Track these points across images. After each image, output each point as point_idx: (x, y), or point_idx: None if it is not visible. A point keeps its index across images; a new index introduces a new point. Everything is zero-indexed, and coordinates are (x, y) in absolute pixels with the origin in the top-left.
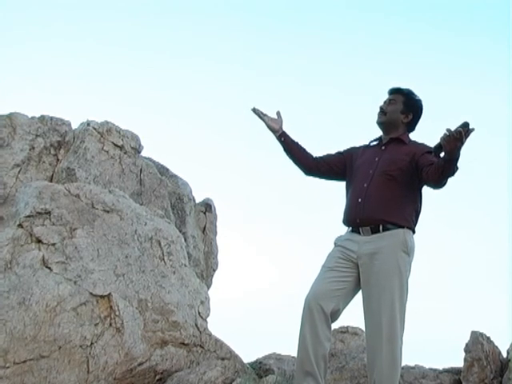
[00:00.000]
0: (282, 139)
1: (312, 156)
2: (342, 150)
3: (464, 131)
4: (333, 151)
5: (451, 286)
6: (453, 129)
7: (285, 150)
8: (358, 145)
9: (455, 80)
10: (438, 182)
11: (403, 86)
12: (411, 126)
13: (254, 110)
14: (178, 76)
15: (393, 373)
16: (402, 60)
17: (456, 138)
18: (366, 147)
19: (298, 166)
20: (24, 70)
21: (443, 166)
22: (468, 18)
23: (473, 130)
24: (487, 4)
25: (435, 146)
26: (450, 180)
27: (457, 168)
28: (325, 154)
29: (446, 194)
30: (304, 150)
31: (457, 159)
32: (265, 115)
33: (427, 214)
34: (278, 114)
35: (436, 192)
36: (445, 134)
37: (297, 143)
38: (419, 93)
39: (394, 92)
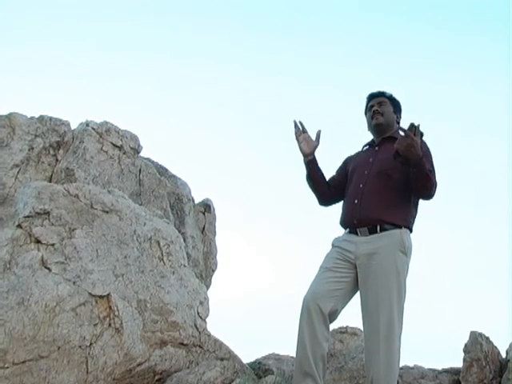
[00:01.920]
0: (310, 165)
1: (328, 186)
2: (340, 164)
3: (413, 132)
4: (333, 171)
5: (450, 285)
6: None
7: (308, 175)
8: (357, 146)
9: (455, 80)
10: (422, 194)
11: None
12: (399, 125)
13: (296, 123)
14: (177, 76)
15: (390, 372)
16: (402, 60)
17: (409, 143)
18: (360, 152)
19: (315, 193)
20: (24, 70)
21: (416, 175)
22: (468, 18)
23: (418, 125)
24: (487, 4)
25: (393, 155)
26: (450, 179)
27: (428, 172)
28: (329, 178)
29: (445, 193)
30: (325, 180)
31: (420, 162)
32: (303, 133)
33: (427, 214)
34: (318, 134)
35: (436, 192)
36: (398, 141)
37: (322, 173)
38: (420, 93)
39: (378, 96)
